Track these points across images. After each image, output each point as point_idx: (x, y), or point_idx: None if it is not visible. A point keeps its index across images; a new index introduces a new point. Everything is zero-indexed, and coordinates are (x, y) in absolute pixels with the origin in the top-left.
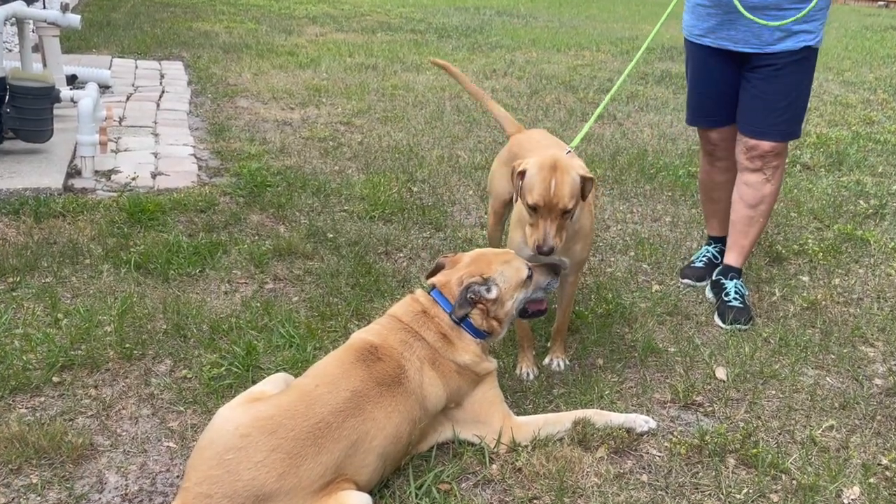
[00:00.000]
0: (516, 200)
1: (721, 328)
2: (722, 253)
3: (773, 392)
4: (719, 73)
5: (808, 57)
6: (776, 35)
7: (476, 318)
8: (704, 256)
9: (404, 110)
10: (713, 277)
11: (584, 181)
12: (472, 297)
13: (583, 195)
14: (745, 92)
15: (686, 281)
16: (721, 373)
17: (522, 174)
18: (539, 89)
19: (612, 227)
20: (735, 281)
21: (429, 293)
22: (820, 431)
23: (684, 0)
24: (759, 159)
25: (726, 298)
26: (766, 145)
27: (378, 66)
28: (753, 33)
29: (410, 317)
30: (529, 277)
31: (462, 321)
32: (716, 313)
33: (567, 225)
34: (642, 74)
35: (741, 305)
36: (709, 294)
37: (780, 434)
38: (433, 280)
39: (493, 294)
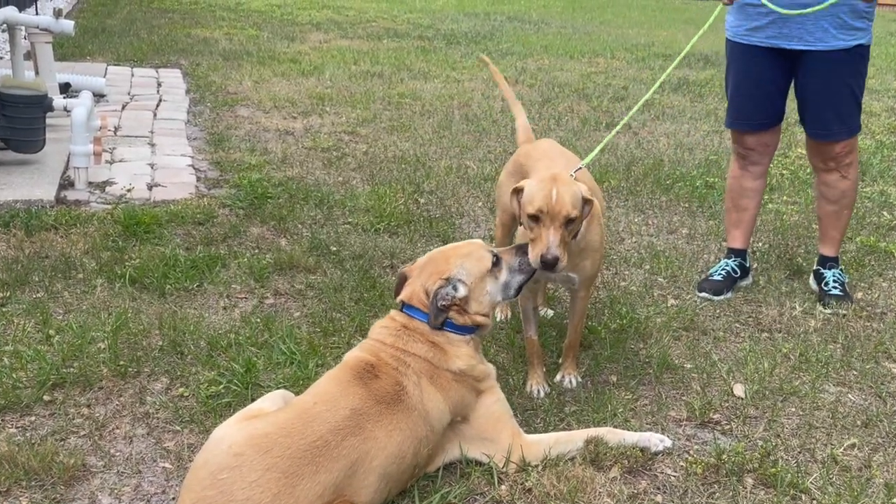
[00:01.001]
0: (520, 221)
1: (823, 312)
2: (742, 267)
3: (793, 409)
4: (767, 74)
5: (862, 55)
6: (829, 31)
7: (456, 318)
8: (724, 269)
9: (411, 119)
10: (814, 268)
11: (586, 203)
12: (444, 303)
13: (582, 216)
14: (804, 93)
15: (704, 294)
16: (739, 390)
17: (520, 191)
18: (551, 97)
19: (627, 240)
20: (833, 270)
21: (401, 310)
22: (841, 450)
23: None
24: (832, 160)
25: (825, 287)
26: (837, 146)
27: (384, 73)
28: (807, 30)
29: (393, 336)
30: (496, 264)
31: (444, 324)
32: (818, 301)
33: (569, 239)
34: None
35: (841, 293)
36: (812, 284)
37: (800, 453)
38: (401, 297)
39: (462, 292)
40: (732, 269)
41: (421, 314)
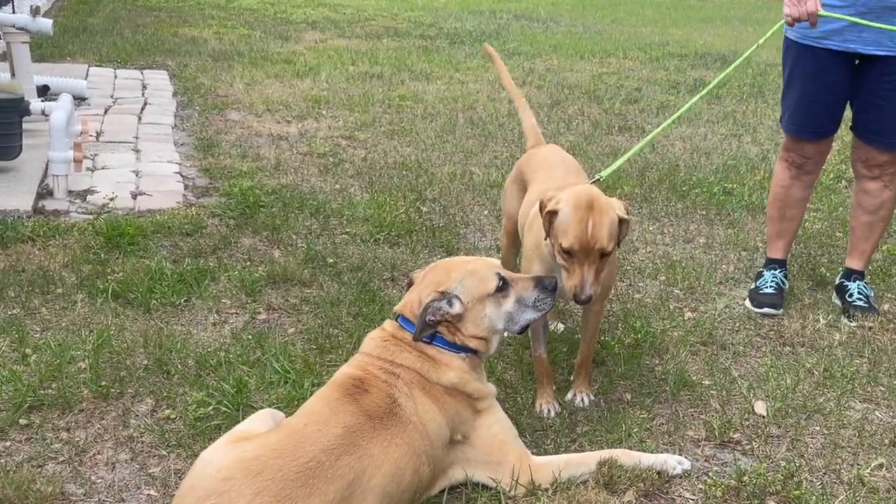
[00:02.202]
0: (546, 240)
1: (848, 326)
2: (787, 277)
3: (818, 428)
4: (838, 79)
5: None
6: None
7: (446, 334)
8: (773, 281)
9: (412, 123)
10: (836, 282)
11: (622, 223)
12: (433, 317)
13: (618, 239)
14: (870, 98)
15: (766, 310)
16: (760, 407)
17: (554, 214)
18: (561, 100)
19: (641, 250)
20: (858, 283)
21: (395, 320)
22: (868, 470)
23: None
24: (878, 168)
25: (850, 299)
26: (888, 154)
27: (384, 74)
28: (888, 35)
29: (381, 348)
30: (502, 289)
31: (434, 339)
32: (842, 315)
33: (604, 269)
34: (674, 83)
35: (865, 305)
36: (835, 299)
37: (825, 474)
38: (396, 307)
39: (457, 309)
40: (781, 280)
41: (412, 326)
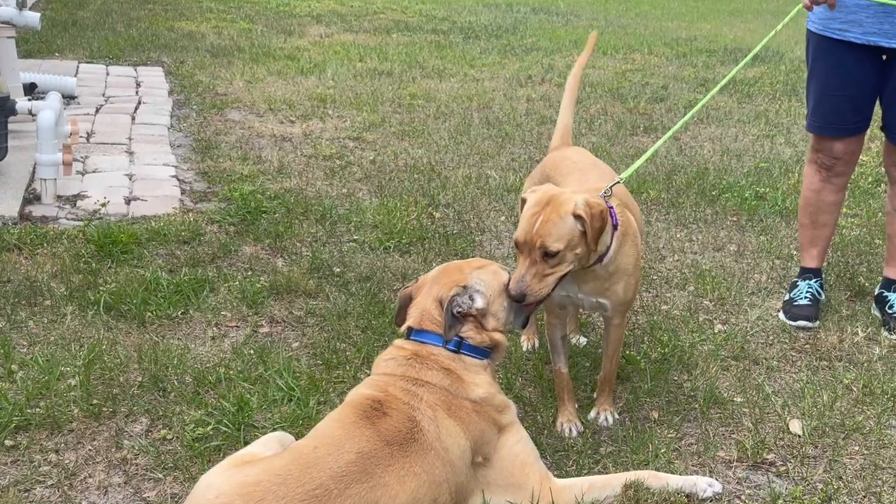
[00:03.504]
0: None
1: (889, 339)
2: (823, 287)
3: (857, 448)
4: (862, 73)
5: None
6: None
7: (472, 334)
8: (808, 292)
9: (424, 123)
10: (875, 292)
11: (581, 219)
12: (460, 310)
13: (594, 236)
14: None
15: (801, 323)
16: (796, 426)
17: (523, 202)
18: (582, 98)
19: (668, 258)
20: None
21: (408, 337)
22: None
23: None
24: None
25: (890, 311)
26: None
27: (393, 71)
28: None
29: (403, 366)
30: (506, 282)
31: (461, 346)
32: (882, 327)
33: (557, 271)
34: (702, 81)
35: None
36: (875, 311)
37: (864, 496)
38: (409, 322)
39: (481, 302)
40: (816, 290)
41: (433, 337)
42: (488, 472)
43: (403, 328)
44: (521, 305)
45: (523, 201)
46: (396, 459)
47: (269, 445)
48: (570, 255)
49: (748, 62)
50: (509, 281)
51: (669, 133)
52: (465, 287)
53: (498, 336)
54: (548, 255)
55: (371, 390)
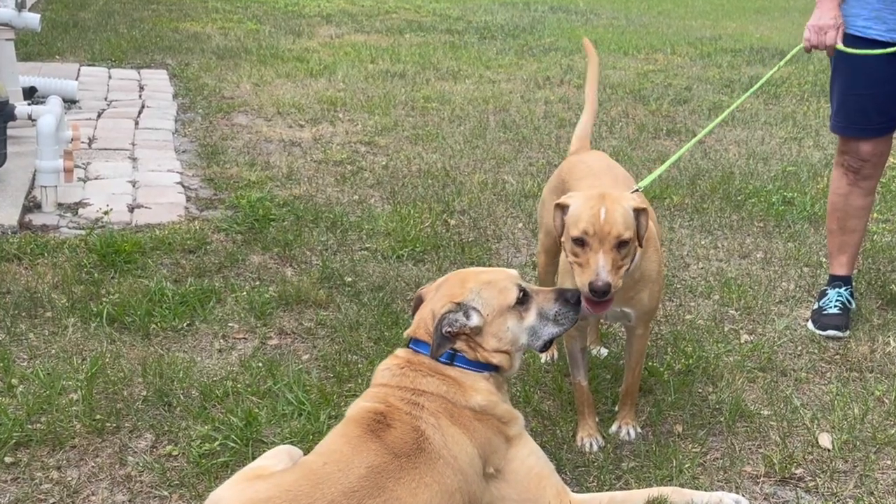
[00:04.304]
0: (561, 244)
1: None
2: (854, 295)
3: (889, 462)
4: (879, 72)
5: None
6: None
7: (467, 351)
8: (838, 301)
9: (439, 127)
10: None
11: (639, 214)
12: (450, 330)
13: (638, 236)
14: None
15: (831, 332)
16: (825, 440)
17: (565, 208)
18: (602, 100)
19: (692, 266)
20: None
21: (407, 345)
22: None
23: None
24: None
25: None
26: None
27: (406, 73)
28: None
29: (398, 376)
30: (522, 302)
31: (454, 359)
32: None
33: (625, 263)
34: (727, 82)
35: None
36: None
37: None
38: (408, 331)
39: (475, 321)
40: (847, 299)
41: (426, 347)
42: (502, 485)
43: (405, 335)
44: (565, 318)
45: (562, 206)
46: (406, 471)
47: (278, 458)
48: (632, 249)
49: (755, 92)
50: (521, 295)
51: (679, 154)
52: (459, 304)
53: (496, 358)
54: (621, 245)
55: (371, 403)
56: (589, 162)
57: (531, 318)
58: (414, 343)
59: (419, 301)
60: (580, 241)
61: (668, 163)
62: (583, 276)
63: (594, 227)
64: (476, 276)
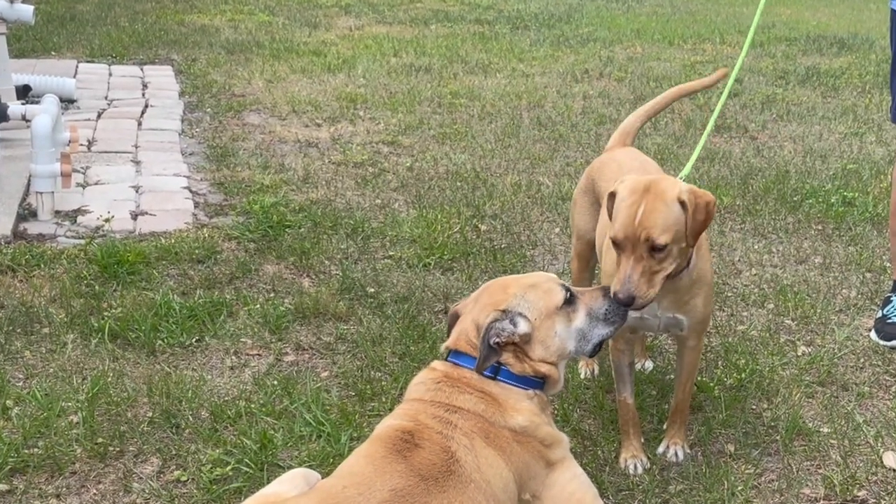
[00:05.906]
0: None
1: None
2: None
3: None
4: None
5: None
6: None
7: (513, 363)
8: None
9: (468, 125)
10: None
11: (685, 206)
12: (498, 340)
13: (694, 230)
14: None
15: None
16: (890, 459)
17: (613, 196)
18: (646, 94)
19: (745, 272)
20: None
21: (446, 359)
22: None
23: None
24: None
25: None
26: None
27: (432, 67)
28: None
29: (433, 391)
30: (570, 302)
31: (498, 373)
32: None
33: (663, 268)
34: (781, 73)
35: None
36: None
37: None
38: (447, 343)
39: (523, 328)
40: None
41: (468, 359)
42: None
43: (443, 348)
44: (616, 315)
45: (612, 195)
46: (434, 496)
47: (293, 483)
48: (676, 250)
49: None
50: (568, 296)
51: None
52: (504, 311)
53: (545, 368)
54: (654, 250)
55: (400, 420)
56: (620, 159)
57: (580, 318)
58: (454, 355)
59: (454, 318)
60: (615, 243)
61: (699, 142)
62: (613, 283)
63: (626, 229)
64: (517, 281)
